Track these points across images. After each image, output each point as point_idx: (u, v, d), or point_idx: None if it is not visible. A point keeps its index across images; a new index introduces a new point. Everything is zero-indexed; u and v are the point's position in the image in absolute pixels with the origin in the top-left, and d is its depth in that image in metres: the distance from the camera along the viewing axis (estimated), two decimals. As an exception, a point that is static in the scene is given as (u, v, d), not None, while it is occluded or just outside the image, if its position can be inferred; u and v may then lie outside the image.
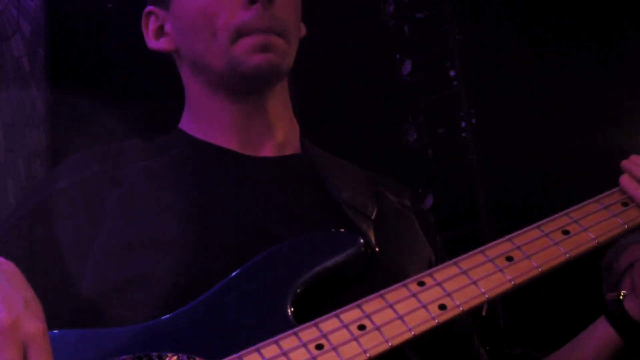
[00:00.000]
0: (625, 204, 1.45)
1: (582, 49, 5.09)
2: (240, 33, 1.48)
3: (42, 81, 5.27)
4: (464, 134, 5.60)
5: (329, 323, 1.26)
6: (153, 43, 1.62)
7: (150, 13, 1.63)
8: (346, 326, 1.25)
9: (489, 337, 4.55)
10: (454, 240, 4.98)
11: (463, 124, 5.61)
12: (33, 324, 1.07)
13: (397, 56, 5.78)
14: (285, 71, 1.56)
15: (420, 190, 5.52)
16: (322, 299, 1.32)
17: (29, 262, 1.39)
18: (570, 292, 4.30)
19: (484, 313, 4.18)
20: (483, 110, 5.55)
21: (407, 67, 5.69)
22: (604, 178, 1.54)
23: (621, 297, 1.67)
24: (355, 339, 1.23)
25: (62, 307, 1.38)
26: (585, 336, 1.72)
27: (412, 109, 5.77)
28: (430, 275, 1.33)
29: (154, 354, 1.24)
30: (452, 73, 5.67)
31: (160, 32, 1.62)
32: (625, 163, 1.48)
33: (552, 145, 4.91)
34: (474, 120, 5.57)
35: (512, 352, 4.70)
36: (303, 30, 1.64)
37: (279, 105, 1.59)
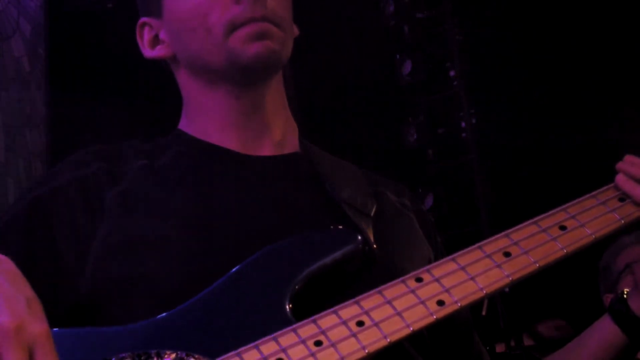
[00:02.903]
0: (622, 199, 1.45)
1: (582, 49, 5.09)
2: (234, 25, 1.49)
3: (42, 81, 5.28)
4: (464, 134, 5.61)
5: (327, 319, 1.26)
6: (149, 52, 1.63)
7: (144, 24, 1.64)
8: (345, 322, 1.25)
9: (489, 337, 4.55)
10: (454, 240, 4.98)
11: (463, 124, 5.61)
12: (37, 325, 1.06)
13: (397, 56, 5.79)
14: (284, 61, 1.56)
15: (420, 190, 5.52)
16: (320, 295, 1.32)
17: (26, 259, 1.39)
18: (569, 293, 4.30)
19: (483, 313, 4.18)
20: (483, 110, 5.56)
21: (407, 67, 5.70)
22: (603, 178, 1.54)
23: (625, 295, 1.67)
24: (354, 335, 1.23)
25: (60, 304, 1.38)
26: (590, 333, 1.72)
27: (412, 109, 5.78)
28: (428, 271, 1.33)
29: (153, 351, 1.24)
30: (452, 73, 5.68)
31: (155, 41, 1.63)
32: (620, 165, 1.49)
33: (552, 145, 4.91)
34: (474, 120, 5.58)
35: (512, 352, 4.70)
36: (296, 31, 1.64)
37: (276, 102, 1.59)
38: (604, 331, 1.67)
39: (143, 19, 1.64)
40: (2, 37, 4.96)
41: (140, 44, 1.64)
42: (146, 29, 1.64)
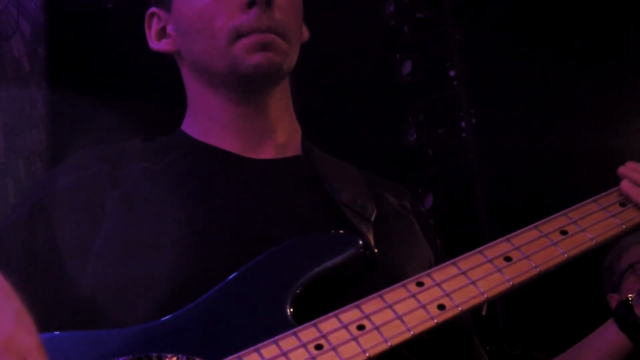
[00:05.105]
0: (623, 204, 1.45)
1: (582, 49, 5.09)
2: (238, 34, 1.49)
3: (42, 81, 5.27)
4: (464, 134, 5.60)
5: (328, 323, 1.26)
6: (155, 44, 1.63)
7: (153, 14, 1.64)
8: (345, 326, 1.25)
9: (489, 337, 4.56)
10: (454, 240, 4.98)
11: (463, 124, 5.61)
12: (27, 339, 1.05)
13: (397, 56, 5.78)
14: (286, 72, 1.56)
15: (420, 190, 5.52)
16: (321, 299, 1.32)
17: (28, 261, 1.40)
18: (570, 292, 4.30)
19: (483, 313, 4.18)
20: (483, 110, 5.55)
21: (407, 67, 5.69)
22: (604, 178, 1.54)
23: (630, 301, 1.66)
24: (355, 339, 1.24)
25: (62, 307, 1.38)
26: (594, 338, 1.71)
27: (412, 109, 5.77)
28: (429, 275, 1.33)
29: (154, 354, 1.24)
30: (452, 73, 5.67)
31: (162, 33, 1.62)
32: (622, 170, 1.48)
33: (552, 145, 4.91)
34: (474, 120, 5.58)
35: (512, 352, 4.71)
36: (306, 34, 1.64)
37: (280, 107, 1.59)
38: (609, 336, 1.66)
39: (153, 9, 1.64)
40: (2, 37, 4.96)
41: (148, 34, 1.64)
42: (155, 19, 1.63)
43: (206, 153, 1.55)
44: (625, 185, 1.46)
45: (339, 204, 1.49)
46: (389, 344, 1.24)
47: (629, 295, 1.65)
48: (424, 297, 1.29)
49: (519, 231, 1.40)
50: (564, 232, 1.40)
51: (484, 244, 1.38)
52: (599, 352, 1.67)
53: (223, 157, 1.54)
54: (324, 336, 1.24)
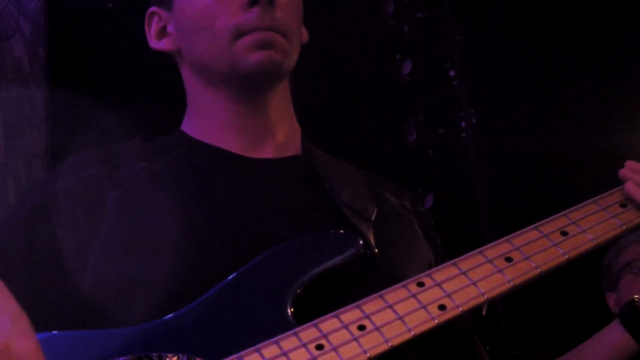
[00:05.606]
0: (623, 205, 1.46)
1: (582, 49, 5.09)
2: (240, 32, 1.49)
3: (42, 81, 5.27)
4: (464, 134, 5.60)
5: (329, 323, 1.26)
6: (155, 43, 1.63)
7: (153, 14, 1.64)
8: (346, 326, 1.25)
9: (489, 337, 4.56)
10: (454, 240, 4.98)
11: (463, 124, 5.61)
12: (24, 343, 1.03)
13: (397, 56, 5.78)
14: (287, 71, 1.56)
15: (420, 190, 5.52)
16: (322, 299, 1.33)
17: (28, 262, 1.40)
18: (570, 293, 4.30)
19: (483, 313, 4.18)
20: (483, 110, 5.55)
21: (407, 67, 5.69)
22: (604, 178, 1.54)
23: (635, 302, 1.66)
24: (355, 339, 1.24)
25: (62, 307, 1.38)
26: (599, 338, 1.72)
27: (412, 109, 5.77)
28: (430, 275, 1.33)
29: (154, 354, 1.24)
30: (452, 73, 5.67)
31: (162, 32, 1.63)
32: (624, 172, 1.48)
33: (552, 145, 4.91)
34: (474, 120, 5.58)
35: (512, 352, 4.70)
36: (305, 36, 1.64)
37: (280, 106, 1.59)
38: (614, 336, 1.66)
39: (153, 8, 1.64)
40: (2, 37, 4.96)
41: (148, 33, 1.64)
42: (155, 18, 1.63)
43: (206, 153, 1.55)
44: (629, 187, 1.46)
45: (339, 204, 1.49)
46: (390, 344, 1.24)
47: (635, 297, 1.65)
48: (424, 297, 1.29)
49: (519, 232, 1.40)
50: (564, 233, 1.40)
51: (484, 244, 1.38)
52: (604, 352, 1.67)
53: (223, 156, 1.54)
54: (325, 336, 1.24)
